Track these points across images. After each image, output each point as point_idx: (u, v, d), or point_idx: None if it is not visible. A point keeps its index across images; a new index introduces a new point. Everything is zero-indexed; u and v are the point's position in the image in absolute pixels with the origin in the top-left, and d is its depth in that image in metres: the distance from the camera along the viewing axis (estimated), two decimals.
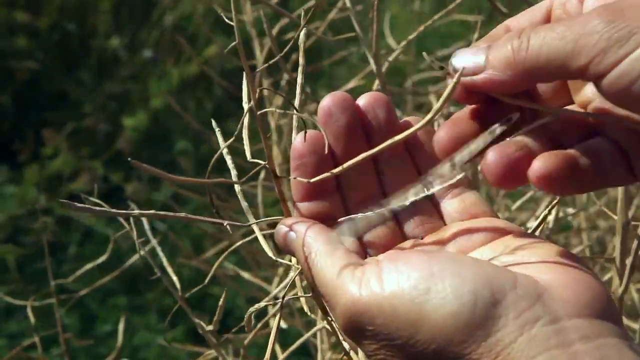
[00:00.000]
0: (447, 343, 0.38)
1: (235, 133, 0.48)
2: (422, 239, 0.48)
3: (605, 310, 0.38)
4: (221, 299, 0.53)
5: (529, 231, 0.49)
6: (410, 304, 0.39)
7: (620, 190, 0.63)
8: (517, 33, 0.41)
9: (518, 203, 0.86)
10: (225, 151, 0.47)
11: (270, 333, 0.48)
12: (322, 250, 0.44)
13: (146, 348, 1.58)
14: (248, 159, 0.49)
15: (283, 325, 0.81)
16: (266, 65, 0.48)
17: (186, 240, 1.79)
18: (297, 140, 0.47)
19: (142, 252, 0.62)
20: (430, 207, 0.49)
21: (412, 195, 0.46)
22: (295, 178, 0.47)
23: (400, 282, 0.40)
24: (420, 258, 0.41)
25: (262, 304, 0.47)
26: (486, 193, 0.98)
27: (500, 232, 0.45)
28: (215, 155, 0.47)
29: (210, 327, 0.60)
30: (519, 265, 0.41)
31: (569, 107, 0.46)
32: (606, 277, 0.68)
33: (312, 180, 0.45)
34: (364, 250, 0.48)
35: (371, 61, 0.67)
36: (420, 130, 0.43)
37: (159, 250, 0.63)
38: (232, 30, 0.43)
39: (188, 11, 2.31)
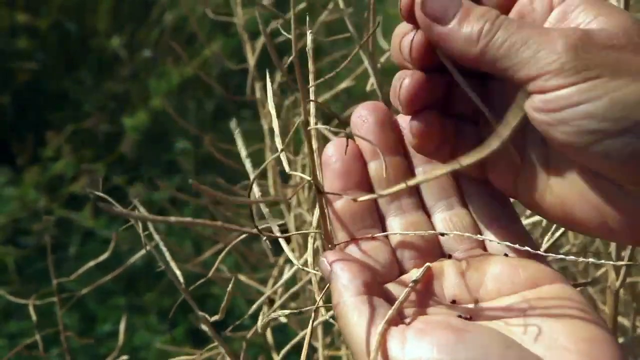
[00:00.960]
0: None
1: (282, 147, 0.48)
2: (449, 257, 0.48)
3: None
4: (227, 292, 0.53)
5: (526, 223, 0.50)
6: None
7: None
8: (493, 17, 0.42)
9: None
10: (249, 166, 0.47)
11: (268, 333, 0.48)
12: (350, 303, 0.43)
13: (146, 348, 1.58)
14: (288, 171, 0.49)
15: (283, 320, 0.81)
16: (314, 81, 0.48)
17: (187, 242, 1.79)
18: (329, 145, 0.49)
19: (147, 248, 0.62)
20: (471, 227, 0.49)
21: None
22: (340, 195, 0.47)
23: None
24: (447, 339, 0.40)
25: (258, 304, 0.47)
26: None
27: (536, 278, 0.45)
28: (260, 168, 0.47)
29: (215, 317, 0.60)
30: (553, 349, 0.40)
31: None
32: (600, 272, 0.68)
33: (360, 199, 0.46)
34: (398, 263, 0.48)
35: (366, 62, 0.67)
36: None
37: (162, 245, 0.63)
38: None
39: (187, 10, 2.31)
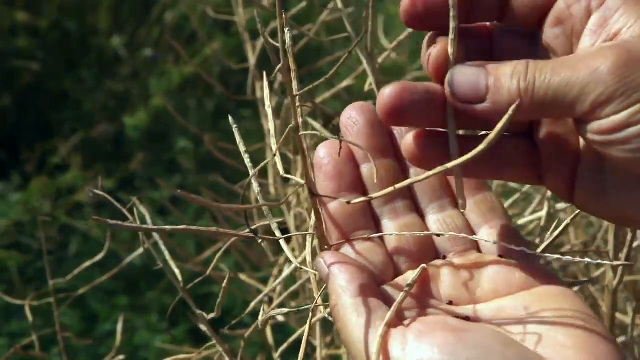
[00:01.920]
0: None
1: (275, 151, 0.48)
2: (444, 258, 0.48)
3: None
4: (222, 288, 0.53)
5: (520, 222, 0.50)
6: None
7: None
8: (523, 70, 0.41)
9: (510, 201, 0.86)
10: (254, 179, 0.47)
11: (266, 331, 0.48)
12: (348, 304, 0.43)
13: (146, 348, 1.58)
14: (282, 174, 0.49)
15: (281, 319, 0.81)
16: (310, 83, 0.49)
17: (189, 241, 1.79)
18: (320, 147, 0.49)
19: (145, 247, 0.62)
20: (465, 228, 0.49)
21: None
22: (335, 198, 0.47)
23: None
24: (446, 340, 0.39)
25: (256, 302, 0.47)
26: None
27: (535, 274, 0.45)
28: (247, 179, 0.47)
29: (212, 315, 0.60)
30: (553, 347, 0.40)
31: None
32: (600, 272, 0.68)
33: (353, 202, 0.46)
34: (393, 264, 0.48)
35: (364, 61, 0.67)
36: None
37: (161, 244, 0.63)
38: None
39: (188, 10, 2.31)
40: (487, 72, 0.42)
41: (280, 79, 0.90)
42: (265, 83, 0.47)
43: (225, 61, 1.08)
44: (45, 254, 0.83)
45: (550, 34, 0.44)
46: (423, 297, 0.46)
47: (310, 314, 0.46)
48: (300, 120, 0.48)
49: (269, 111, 0.47)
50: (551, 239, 0.54)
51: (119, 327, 0.88)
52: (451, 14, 0.44)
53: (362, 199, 0.46)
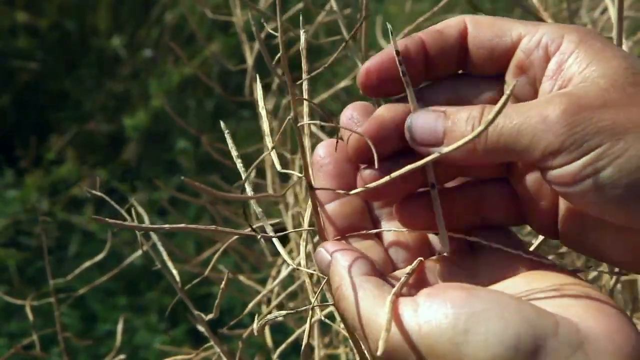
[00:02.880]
0: None
1: (273, 144, 0.48)
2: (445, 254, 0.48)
3: None
4: (220, 289, 0.53)
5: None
6: (448, 344, 0.38)
7: None
8: (477, 116, 0.43)
9: None
10: (246, 178, 0.47)
11: (265, 332, 0.48)
12: (354, 282, 0.43)
13: (146, 348, 1.58)
14: (278, 170, 0.49)
15: (280, 318, 0.81)
16: (307, 77, 0.49)
17: (188, 242, 1.79)
18: (320, 146, 0.48)
19: (144, 248, 0.62)
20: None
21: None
22: (335, 190, 0.47)
23: (438, 320, 0.38)
24: (459, 295, 0.39)
25: (254, 303, 0.47)
26: None
27: (532, 264, 0.45)
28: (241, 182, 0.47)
29: (210, 316, 0.60)
30: (561, 307, 0.40)
31: None
32: (597, 271, 0.68)
33: (351, 192, 0.46)
34: (391, 261, 0.48)
35: (359, 63, 0.67)
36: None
37: (159, 245, 0.63)
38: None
39: (187, 11, 2.31)
40: (445, 116, 0.44)
41: (277, 80, 0.90)
42: (259, 84, 0.47)
43: (224, 62, 1.08)
44: (45, 253, 0.83)
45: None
46: (423, 285, 0.46)
47: (310, 312, 0.47)
48: (305, 110, 0.48)
49: (263, 112, 0.47)
50: (542, 238, 0.55)
51: (119, 327, 0.88)
52: (404, 80, 0.46)
53: (359, 189, 0.46)
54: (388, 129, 0.46)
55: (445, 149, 0.40)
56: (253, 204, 0.48)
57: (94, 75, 2.34)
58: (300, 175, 0.46)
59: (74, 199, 1.94)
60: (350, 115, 0.48)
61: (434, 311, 0.39)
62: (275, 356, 0.60)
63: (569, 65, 0.42)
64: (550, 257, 0.47)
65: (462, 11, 1.62)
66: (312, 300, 0.46)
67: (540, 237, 0.56)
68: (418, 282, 0.46)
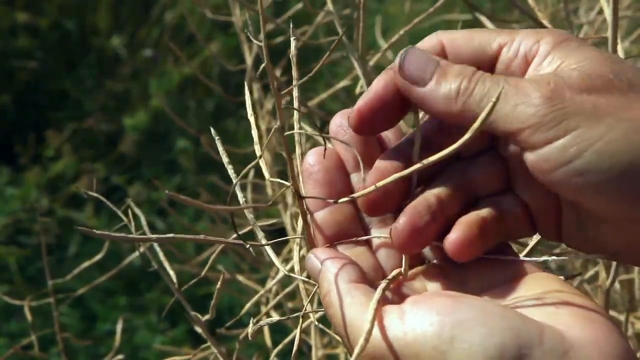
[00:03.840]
0: None
1: (261, 154, 0.48)
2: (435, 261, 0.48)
3: None
4: (216, 290, 0.53)
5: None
6: (433, 352, 0.38)
7: None
8: (470, 74, 0.43)
9: None
10: (237, 182, 0.47)
11: (264, 332, 0.48)
12: (342, 289, 0.43)
13: (146, 348, 1.58)
14: (267, 179, 0.49)
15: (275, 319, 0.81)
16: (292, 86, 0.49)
17: (188, 242, 1.79)
18: (309, 153, 0.48)
19: (142, 249, 0.62)
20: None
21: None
22: (324, 199, 0.47)
23: (423, 328, 0.38)
24: (445, 302, 0.39)
25: (251, 304, 0.47)
26: None
27: (521, 269, 0.45)
28: (232, 187, 0.47)
29: (207, 316, 0.60)
30: (547, 315, 0.40)
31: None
32: (594, 270, 0.68)
33: (340, 201, 0.46)
34: (381, 268, 0.48)
35: (355, 63, 0.67)
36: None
37: (156, 246, 0.63)
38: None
39: (187, 10, 2.31)
40: (438, 63, 0.44)
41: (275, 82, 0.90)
42: (247, 92, 0.47)
43: (223, 62, 1.08)
44: (44, 253, 0.84)
45: None
46: (411, 293, 0.46)
47: (300, 319, 0.47)
48: (297, 117, 0.48)
49: (252, 119, 0.47)
50: (537, 238, 0.55)
51: (119, 327, 0.88)
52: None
53: (346, 198, 0.46)
54: (385, 102, 0.46)
55: (429, 160, 0.40)
56: (247, 213, 0.48)
57: (94, 75, 2.34)
58: (288, 184, 0.46)
59: (73, 196, 1.94)
60: (340, 122, 0.48)
61: (420, 319, 0.39)
62: (273, 356, 0.60)
63: (544, 67, 0.43)
64: (546, 258, 0.47)
65: (461, 11, 1.62)
66: (305, 305, 0.46)
67: (533, 241, 0.56)
68: (407, 290, 0.46)
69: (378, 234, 0.48)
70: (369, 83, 0.69)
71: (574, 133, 0.39)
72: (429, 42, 0.47)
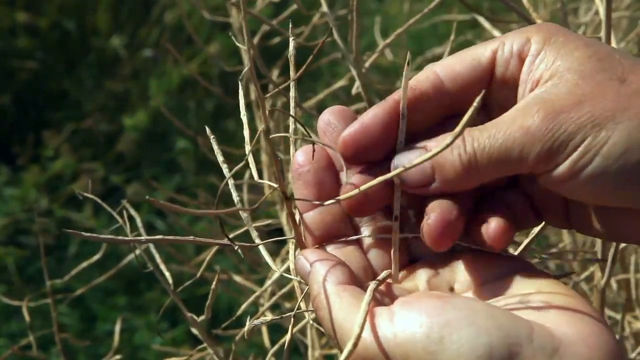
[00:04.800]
0: None
1: (248, 154, 0.48)
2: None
3: None
4: (211, 290, 0.54)
5: None
6: (422, 353, 0.38)
7: None
8: (461, 141, 0.43)
9: None
10: (231, 183, 0.47)
11: (261, 329, 0.48)
12: (331, 291, 0.43)
13: (146, 348, 1.58)
14: (256, 179, 0.49)
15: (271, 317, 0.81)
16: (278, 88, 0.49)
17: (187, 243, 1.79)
18: (298, 153, 0.48)
19: (137, 251, 0.62)
20: None
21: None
22: (311, 201, 0.47)
23: (412, 329, 0.39)
24: (434, 303, 0.40)
25: (247, 304, 0.47)
26: None
27: (512, 267, 0.45)
28: (221, 185, 0.47)
29: (202, 317, 0.61)
30: (537, 313, 0.40)
31: None
32: (589, 271, 0.68)
33: (326, 203, 0.46)
34: (371, 267, 0.48)
35: (350, 65, 0.67)
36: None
37: (152, 247, 0.63)
38: (230, 30, 0.43)
39: (187, 10, 2.31)
40: (426, 153, 0.43)
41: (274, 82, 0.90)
42: (241, 93, 0.48)
43: (222, 63, 1.08)
44: (42, 254, 0.84)
45: (500, 97, 0.46)
46: (401, 292, 0.46)
47: (292, 319, 0.47)
48: (292, 119, 0.48)
49: (244, 119, 0.47)
50: (532, 235, 0.55)
51: (117, 328, 0.88)
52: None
53: (332, 200, 0.46)
54: (372, 135, 0.46)
55: (413, 163, 0.40)
56: (241, 213, 0.48)
57: (94, 75, 2.34)
58: (274, 185, 0.46)
59: (73, 196, 1.94)
60: (328, 120, 0.48)
61: (409, 320, 0.39)
62: (269, 356, 0.60)
63: (536, 66, 0.43)
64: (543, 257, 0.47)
65: (460, 11, 1.62)
66: (297, 304, 0.46)
67: (528, 239, 0.56)
68: (397, 289, 0.46)
69: (368, 231, 0.48)
70: (364, 84, 0.69)
71: (581, 146, 0.40)
72: (423, 75, 0.47)
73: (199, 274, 0.57)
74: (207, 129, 0.48)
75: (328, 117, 0.48)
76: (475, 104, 0.36)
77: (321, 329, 0.51)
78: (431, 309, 0.39)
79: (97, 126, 2.16)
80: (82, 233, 0.39)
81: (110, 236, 0.41)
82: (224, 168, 0.46)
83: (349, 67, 0.71)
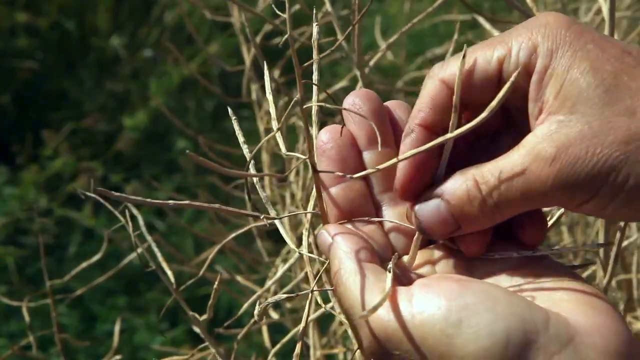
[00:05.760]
0: None
1: (278, 127, 0.48)
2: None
3: (632, 356, 0.39)
4: (214, 290, 0.54)
5: None
6: (440, 335, 0.39)
7: None
8: (476, 192, 0.44)
9: None
10: (252, 164, 0.48)
11: (262, 329, 0.48)
12: (352, 268, 0.44)
13: (146, 348, 1.58)
14: (283, 152, 0.50)
15: (275, 316, 0.81)
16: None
17: (187, 241, 1.79)
18: (323, 131, 0.49)
19: (139, 250, 0.62)
20: None
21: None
22: (334, 174, 0.48)
23: (431, 311, 0.39)
24: (452, 287, 0.40)
25: (249, 303, 0.47)
26: None
27: (529, 257, 0.46)
28: (250, 157, 0.47)
29: (204, 317, 0.61)
30: (552, 302, 0.41)
31: None
32: (591, 270, 0.68)
33: (355, 176, 0.47)
34: (391, 246, 0.49)
35: (353, 64, 0.67)
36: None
37: (154, 246, 0.63)
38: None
39: (187, 10, 2.31)
40: (446, 202, 0.45)
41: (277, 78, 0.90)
42: (266, 70, 0.48)
43: (221, 63, 1.08)
44: (42, 254, 0.84)
45: (511, 98, 0.45)
46: (418, 277, 0.47)
47: (310, 295, 0.47)
48: (316, 94, 0.48)
49: (270, 96, 0.47)
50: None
51: (117, 328, 0.88)
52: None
53: (361, 173, 0.47)
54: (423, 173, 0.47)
55: (445, 137, 0.40)
56: (258, 187, 0.49)
57: (94, 75, 2.34)
58: (304, 157, 0.47)
59: (72, 196, 1.94)
60: (353, 101, 0.49)
61: (428, 302, 0.40)
62: (271, 355, 0.60)
63: (544, 88, 0.43)
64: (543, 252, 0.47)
65: (460, 11, 1.62)
66: (312, 284, 0.47)
67: None
68: (415, 270, 0.47)
69: (389, 212, 0.49)
70: (367, 84, 0.69)
71: (602, 190, 0.41)
72: (432, 86, 0.47)
73: (201, 273, 0.57)
74: (229, 109, 0.49)
75: (353, 99, 0.49)
76: (485, 114, 0.37)
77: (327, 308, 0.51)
78: (450, 292, 0.40)
79: (96, 125, 2.16)
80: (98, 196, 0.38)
81: (126, 196, 0.40)
82: (244, 149, 0.46)
83: (349, 67, 0.70)
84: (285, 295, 0.50)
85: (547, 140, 0.42)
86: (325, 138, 0.49)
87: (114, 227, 0.63)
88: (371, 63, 0.72)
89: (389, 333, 0.40)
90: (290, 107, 0.49)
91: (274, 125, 0.50)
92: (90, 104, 2.25)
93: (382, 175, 0.49)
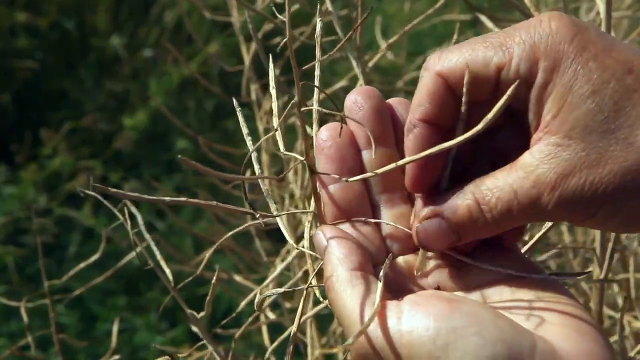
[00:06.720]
0: None
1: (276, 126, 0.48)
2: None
3: None
4: (212, 285, 0.54)
5: None
6: (426, 357, 0.39)
7: None
8: (476, 209, 0.44)
9: None
10: (254, 156, 0.48)
11: (262, 329, 0.48)
12: (344, 277, 0.44)
13: (146, 348, 1.58)
14: (282, 151, 0.50)
15: (271, 316, 0.81)
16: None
17: (187, 241, 1.79)
18: (322, 129, 0.49)
19: (138, 248, 0.62)
20: None
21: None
22: (332, 177, 0.48)
23: (419, 332, 0.40)
24: (442, 308, 0.40)
25: (247, 301, 0.47)
26: None
27: (522, 268, 0.46)
28: (247, 155, 0.47)
29: (202, 314, 0.61)
30: (539, 323, 0.41)
31: None
32: (588, 270, 0.68)
33: (350, 180, 0.47)
34: (386, 248, 0.49)
35: (353, 63, 0.67)
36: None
37: (153, 245, 0.63)
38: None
39: (187, 9, 2.31)
40: (447, 220, 0.45)
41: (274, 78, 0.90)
42: (271, 63, 0.48)
43: (221, 63, 1.08)
44: (41, 254, 0.83)
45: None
46: (411, 282, 0.47)
47: (304, 293, 0.47)
48: (316, 96, 0.48)
49: (273, 92, 0.47)
50: (538, 235, 0.55)
51: (115, 328, 0.88)
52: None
53: (361, 176, 0.47)
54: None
55: (449, 143, 0.41)
56: (260, 183, 0.49)
57: (94, 74, 2.34)
58: (301, 158, 0.47)
59: (72, 195, 1.94)
60: (354, 99, 0.49)
61: (417, 322, 0.40)
62: (268, 353, 0.60)
63: (544, 104, 0.43)
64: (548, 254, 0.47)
65: (460, 10, 1.62)
66: (310, 278, 0.47)
67: (534, 238, 0.56)
68: (408, 277, 0.47)
69: (387, 213, 0.49)
70: (367, 83, 0.69)
71: (600, 213, 0.42)
72: (429, 80, 0.46)
73: (198, 271, 0.57)
74: (234, 100, 0.49)
75: (355, 97, 0.49)
76: (482, 125, 0.37)
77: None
78: (439, 314, 0.40)
79: (96, 125, 2.16)
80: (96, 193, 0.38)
81: (125, 193, 0.40)
82: (248, 141, 0.46)
83: (348, 66, 0.70)
84: (284, 289, 0.50)
85: (545, 164, 0.42)
86: (324, 136, 0.49)
87: (113, 225, 0.62)
88: (371, 63, 0.72)
89: (375, 346, 0.41)
90: (288, 107, 0.49)
91: (275, 121, 0.49)
92: (90, 104, 2.25)
93: (381, 176, 0.49)
